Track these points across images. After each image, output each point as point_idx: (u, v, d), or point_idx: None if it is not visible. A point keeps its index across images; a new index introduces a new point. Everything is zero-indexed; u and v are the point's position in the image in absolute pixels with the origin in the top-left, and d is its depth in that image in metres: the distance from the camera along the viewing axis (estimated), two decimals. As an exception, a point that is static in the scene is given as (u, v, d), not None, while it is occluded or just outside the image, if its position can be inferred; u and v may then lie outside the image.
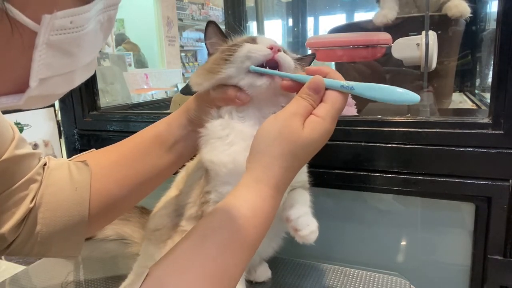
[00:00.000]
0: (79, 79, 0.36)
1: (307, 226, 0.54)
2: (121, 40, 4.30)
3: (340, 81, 0.51)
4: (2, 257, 2.08)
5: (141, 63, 4.33)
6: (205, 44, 0.65)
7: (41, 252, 0.57)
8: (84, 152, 0.64)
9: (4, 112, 0.54)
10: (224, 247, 0.44)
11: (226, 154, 0.57)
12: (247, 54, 0.55)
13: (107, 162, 0.62)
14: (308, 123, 0.49)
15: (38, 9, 0.29)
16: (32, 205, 0.54)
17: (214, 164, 0.58)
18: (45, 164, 0.58)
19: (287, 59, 0.56)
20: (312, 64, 0.66)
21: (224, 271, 0.43)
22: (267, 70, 0.55)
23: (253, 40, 0.59)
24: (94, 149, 0.65)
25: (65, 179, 0.57)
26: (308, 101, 0.50)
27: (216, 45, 0.63)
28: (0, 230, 0.51)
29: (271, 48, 0.55)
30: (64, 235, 0.56)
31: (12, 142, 0.52)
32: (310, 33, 1.99)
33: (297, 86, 0.53)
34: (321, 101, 0.51)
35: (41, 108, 2.40)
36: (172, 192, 0.74)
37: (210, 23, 0.64)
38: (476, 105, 1.09)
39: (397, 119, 0.74)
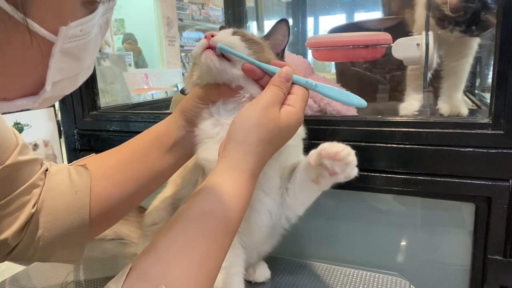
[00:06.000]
0: (82, 80, 0.39)
1: (344, 148, 0.53)
2: (127, 39, 4.31)
3: (304, 78, 0.55)
4: (2, 257, 2.08)
5: (139, 65, 4.32)
6: None
7: (44, 257, 0.57)
8: (84, 157, 0.65)
9: (5, 112, 0.55)
10: (208, 235, 0.45)
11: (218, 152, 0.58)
12: (194, 54, 0.59)
13: (107, 166, 0.62)
14: (285, 113, 0.52)
15: (54, 21, 0.32)
16: (34, 210, 0.54)
17: (208, 161, 0.59)
18: (47, 170, 0.58)
19: (223, 40, 0.56)
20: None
21: (209, 257, 0.44)
22: (232, 51, 0.55)
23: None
24: (94, 153, 0.66)
25: (65, 183, 0.58)
26: (282, 90, 0.53)
27: None
28: (4, 235, 0.52)
29: (206, 35, 0.57)
30: (65, 239, 0.57)
31: (15, 148, 0.53)
32: (310, 33, 1.99)
33: (258, 73, 0.55)
34: (289, 93, 0.54)
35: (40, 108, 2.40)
36: (168, 189, 0.74)
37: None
38: (476, 105, 1.09)
39: (397, 119, 0.74)
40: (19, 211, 0.53)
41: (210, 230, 0.45)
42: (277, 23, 0.65)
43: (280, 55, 0.65)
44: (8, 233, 0.52)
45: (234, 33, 0.60)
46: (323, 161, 0.54)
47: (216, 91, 0.60)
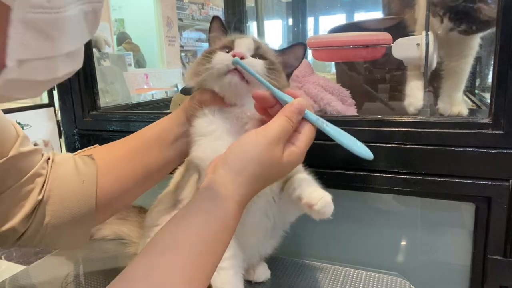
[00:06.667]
0: (63, 69, 0.34)
1: (321, 199, 0.54)
2: (123, 38, 4.31)
3: (316, 115, 0.52)
4: (2, 256, 2.09)
5: (140, 64, 4.33)
6: (208, 38, 0.69)
7: (50, 243, 0.60)
8: (88, 148, 0.67)
9: (5, 112, 0.56)
10: (194, 262, 0.44)
11: (212, 150, 0.59)
12: (214, 65, 0.59)
13: (113, 157, 0.64)
14: (288, 153, 0.50)
15: None
16: (40, 197, 0.56)
17: (201, 159, 0.60)
18: (48, 159, 0.60)
19: (251, 65, 0.57)
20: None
21: (194, 280, 0.43)
22: (249, 69, 0.55)
23: (231, 43, 0.62)
24: (97, 145, 0.68)
25: (72, 172, 0.60)
26: (291, 123, 0.50)
27: (217, 39, 0.66)
28: (11, 222, 0.54)
29: (234, 56, 0.57)
30: (72, 227, 0.59)
31: (16, 140, 0.55)
32: (310, 33, 1.99)
33: (271, 102, 0.52)
34: (296, 129, 0.52)
35: (40, 108, 2.40)
36: (169, 190, 0.74)
37: (215, 18, 0.68)
38: (476, 105, 1.09)
39: (397, 119, 0.74)
40: (24, 200, 0.55)
41: (196, 258, 0.44)
42: (296, 45, 0.66)
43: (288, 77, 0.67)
44: (15, 220, 0.54)
45: (256, 48, 0.61)
46: (301, 206, 0.56)
47: (212, 100, 0.62)
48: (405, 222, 0.81)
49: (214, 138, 0.60)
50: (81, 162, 0.62)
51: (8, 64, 0.30)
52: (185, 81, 0.66)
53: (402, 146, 0.72)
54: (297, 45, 0.66)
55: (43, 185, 0.57)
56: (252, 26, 1.84)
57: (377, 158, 0.74)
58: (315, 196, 0.55)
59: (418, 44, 0.84)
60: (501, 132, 0.65)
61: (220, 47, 0.63)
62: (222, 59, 0.59)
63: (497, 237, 0.68)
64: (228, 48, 0.62)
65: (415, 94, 0.90)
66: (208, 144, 0.60)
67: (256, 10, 1.82)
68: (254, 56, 0.61)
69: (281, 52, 0.66)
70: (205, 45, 5.79)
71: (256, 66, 0.58)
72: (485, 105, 1.02)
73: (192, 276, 0.43)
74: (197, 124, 0.63)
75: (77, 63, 0.37)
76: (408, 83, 0.93)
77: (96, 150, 0.66)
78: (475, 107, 1.07)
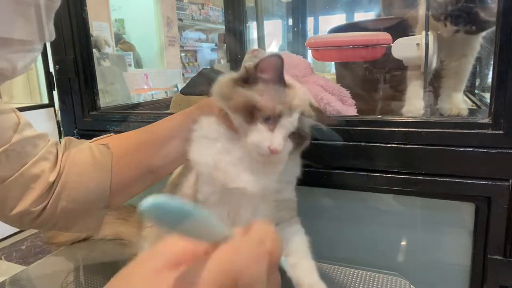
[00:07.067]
0: None
1: None
2: (117, 39, 4.29)
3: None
4: (2, 257, 2.09)
5: (139, 63, 4.32)
6: (255, 72, 0.57)
7: (65, 227, 0.62)
8: (103, 136, 0.69)
9: (6, 112, 0.57)
10: None
11: (212, 159, 0.59)
12: (249, 144, 0.55)
13: (128, 147, 0.67)
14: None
15: None
16: (52, 179, 0.58)
17: (198, 164, 0.61)
18: (57, 144, 0.62)
19: (280, 161, 0.58)
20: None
21: None
22: None
23: (278, 115, 0.55)
24: (112, 134, 0.70)
25: (89, 160, 0.62)
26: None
27: (262, 82, 0.57)
28: (23, 205, 0.56)
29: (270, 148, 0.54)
30: (86, 213, 0.62)
31: (18, 125, 0.56)
32: (310, 33, 1.99)
33: None
34: None
35: (40, 108, 2.40)
36: (167, 190, 0.75)
37: (278, 58, 0.55)
38: (476, 105, 1.09)
39: (397, 119, 0.74)
40: (34, 183, 0.57)
41: None
42: (333, 118, 0.67)
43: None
44: (26, 203, 0.56)
45: (299, 125, 0.57)
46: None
47: (224, 118, 0.60)
48: (405, 222, 0.81)
49: (216, 149, 0.59)
50: (97, 150, 0.64)
51: None
52: (214, 93, 0.60)
53: (402, 146, 0.72)
54: (331, 133, 0.68)
55: (54, 168, 0.59)
56: (252, 26, 1.83)
57: (377, 158, 0.74)
58: None
59: (418, 44, 0.84)
60: (501, 132, 0.65)
61: (265, 108, 0.54)
62: (260, 141, 0.54)
63: (497, 237, 0.68)
64: (272, 119, 0.54)
65: (414, 103, 0.90)
66: (209, 150, 0.59)
67: (256, 10, 1.82)
68: (292, 131, 0.56)
69: (318, 111, 0.61)
70: (205, 45, 5.79)
71: (283, 159, 0.58)
72: (485, 105, 1.02)
73: None
74: (202, 122, 0.62)
75: (8, 62, 0.32)
76: (408, 89, 0.93)
77: (110, 139, 0.68)
78: (475, 107, 1.07)
